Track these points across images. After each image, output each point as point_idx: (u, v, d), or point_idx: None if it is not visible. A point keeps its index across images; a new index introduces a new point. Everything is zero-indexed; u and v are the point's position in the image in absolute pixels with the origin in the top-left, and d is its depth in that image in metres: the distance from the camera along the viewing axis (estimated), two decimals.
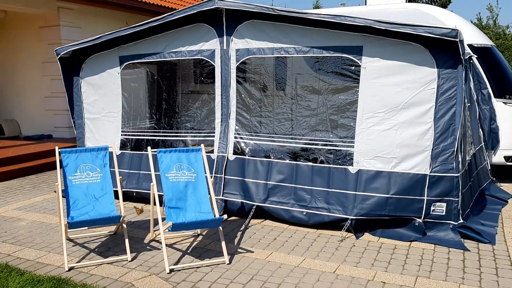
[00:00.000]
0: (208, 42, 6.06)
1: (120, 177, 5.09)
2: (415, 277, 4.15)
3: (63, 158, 4.96)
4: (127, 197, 6.64)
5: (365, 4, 8.96)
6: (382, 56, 5.08)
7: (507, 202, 6.36)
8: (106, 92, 6.93)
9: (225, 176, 5.97)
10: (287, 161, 5.69)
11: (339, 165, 5.38)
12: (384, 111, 5.12)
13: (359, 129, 5.25)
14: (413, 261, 4.50)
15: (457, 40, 4.59)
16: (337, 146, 5.49)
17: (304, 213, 5.42)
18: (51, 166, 9.27)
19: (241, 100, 6.02)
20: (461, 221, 5.01)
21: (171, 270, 4.35)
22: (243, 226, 5.56)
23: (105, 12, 12.16)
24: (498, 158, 7.36)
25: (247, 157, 5.92)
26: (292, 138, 5.86)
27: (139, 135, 6.92)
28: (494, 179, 7.29)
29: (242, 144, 6.01)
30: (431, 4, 21.67)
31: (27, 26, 11.74)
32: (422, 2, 21.48)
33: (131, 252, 4.78)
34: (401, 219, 5.10)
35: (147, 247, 4.96)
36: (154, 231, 5.29)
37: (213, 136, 6.18)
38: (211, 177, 5.89)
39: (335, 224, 5.29)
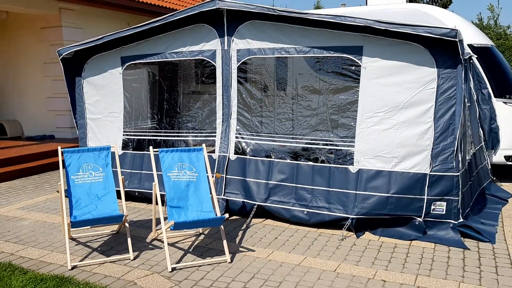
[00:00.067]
0: (209, 43, 6.10)
1: (123, 176, 5.12)
2: (415, 276, 4.17)
3: (66, 158, 4.99)
4: (129, 196, 6.67)
5: (366, 4, 8.99)
6: (382, 56, 5.11)
7: (507, 201, 6.39)
8: (108, 93, 6.96)
9: (227, 176, 6.00)
10: (288, 160, 5.72)
11: (340, 164, 5.41)
12: (384, 111, 5.14)
13: (359, 128, 5.28)
14: (413, 260, 4.52)
15: (457, 40, 4.62)
16: (338, 146, 5.52)
17: (305, 213, 5.45)
18: (54, 166, 9.31)
19: (242, 100, 6.06)
20: (461, 220, 5.03)
21: (173, 269, 4.38)
22: (245, 225, 5.60)
23: (107, 13, 12.21)
24: (498, 157, 7.39)
25: (248, 157, 5.96)
26: (293, 138, 5.89)
27: (141, 135, 6.96)
28: (494, 178, 7.31)
29: (243, 144, 6.05)
30: (432, 4, 21.68)
31: (29, 27, 11.79)
32: (423, 2, 21.50)
33: (133, 251, 4.82)
34: (401, 218, 5.13)
35: (149, 246, 5.00)
36: (156, 230, 5.33)
37: (215, 136, 6.21)
38: (213, 176, 5.92)
39: (335, 223, 5.32)
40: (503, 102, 7.32)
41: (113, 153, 6.32)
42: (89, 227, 5.56)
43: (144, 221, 5.85)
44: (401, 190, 5.06)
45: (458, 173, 4.93)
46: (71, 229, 5.38)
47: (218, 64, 6.07)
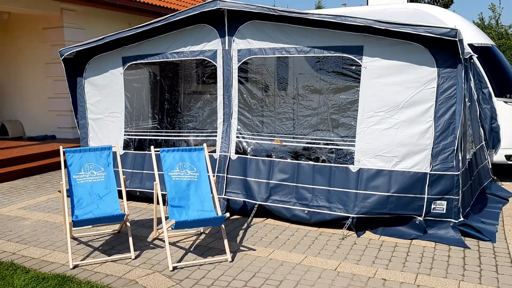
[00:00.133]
0: (210, 43, 6.12)
1: (124, 176, 5.14)
2: (416, 274, 4.19)
3: (67, 157, 5.02)
4: (131, 196, 6.69)
5: (367, 4, 9.00)
6: (383, 55, 5.12)
7: (508, 200, 6.39)
8: (109, 93, 6.99)
9: (227, 175, 6.02)
10: (289, 160, 5.73)
11: (340, 164, 5.42)
12: (385, 110, 5.16)
13: (360, 128, 5.30)
14: (413, 259, 4.53)
15: (457, 39, 4.63)
16: (338, 145, 5.53)
17: (306, 212, 5.46)
18: (55, 166, 9.34)
19: (243, 100, 6.08)
20: (462, 219, 5.04)
21: (174, 268, 4.40)
22: (245, 225, 5.61)
23: (108, 14, 12.24)
24: (499, 157, 7.40)
25: (249, 156, 5.97)
26: (293, 138, 5.90)
27: (142, 135, 6.98)
28: (495, 177, 7.32)
29: (244, 144, 6.06)
30: (433, 4, 21.67)
31: (30, 27, 11.82)
32: (424, 2, 21.49)
33: (134, 250, 4.83)
34: (402, 217, 5.14)
35: (151, 245, 5.02)
36: (158, 229, 5.35)
37: (215, 136, 6.23)
38: (214, 176, 5.94)
39: (336, 223, 5.33)
40: (504, 102, 7.33)
41: (114, 153, 6.34)
42: (90, 226, 5.59)
43: (145, 221, 5.87)
44: (402, 189, 5.07)
45: (459, 172, 4.94)
46: (73, 229, 5.40)
47: (219, 64, 6.09)
